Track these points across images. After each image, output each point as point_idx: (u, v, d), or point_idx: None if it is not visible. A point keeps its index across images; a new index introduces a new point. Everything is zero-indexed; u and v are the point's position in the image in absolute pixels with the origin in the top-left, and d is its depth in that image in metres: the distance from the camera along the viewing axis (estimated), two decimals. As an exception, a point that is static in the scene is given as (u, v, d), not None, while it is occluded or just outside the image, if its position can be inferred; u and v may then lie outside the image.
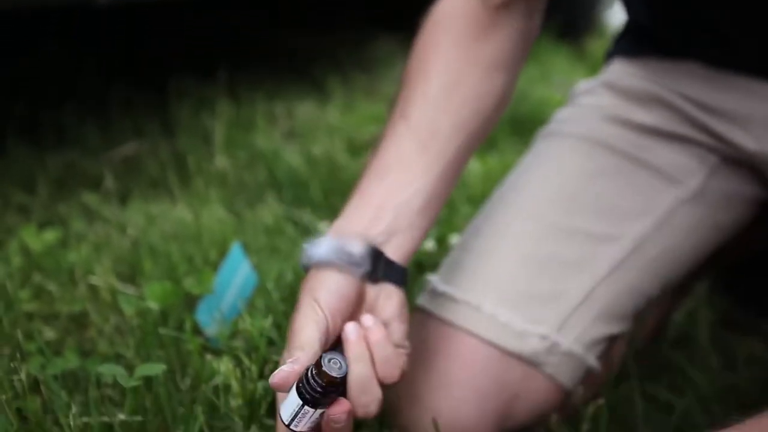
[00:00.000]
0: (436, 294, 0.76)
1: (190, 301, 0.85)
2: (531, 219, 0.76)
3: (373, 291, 0.62)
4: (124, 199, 1.18)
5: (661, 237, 0.76)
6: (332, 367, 0.52)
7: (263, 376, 0.72)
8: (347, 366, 0.52)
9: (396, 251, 0.63)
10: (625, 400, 0.75)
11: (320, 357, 0.52)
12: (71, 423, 0.64)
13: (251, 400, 0.68)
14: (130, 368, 0.69)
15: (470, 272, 0.75)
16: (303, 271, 0.62)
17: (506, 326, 0.72)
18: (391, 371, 0.58)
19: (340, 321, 0.59)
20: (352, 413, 0.55)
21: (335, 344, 0.58)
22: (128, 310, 0.83)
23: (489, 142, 1.43)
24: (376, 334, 0.58)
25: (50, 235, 0.98)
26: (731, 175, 0.78)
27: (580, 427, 0.71)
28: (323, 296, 0.59)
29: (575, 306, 0.73)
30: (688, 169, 0.77)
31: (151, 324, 0.78)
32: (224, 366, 0.71)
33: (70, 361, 0.74)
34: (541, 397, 0.73)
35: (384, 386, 0.58)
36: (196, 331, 0.80)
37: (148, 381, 0.70)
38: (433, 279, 0.77)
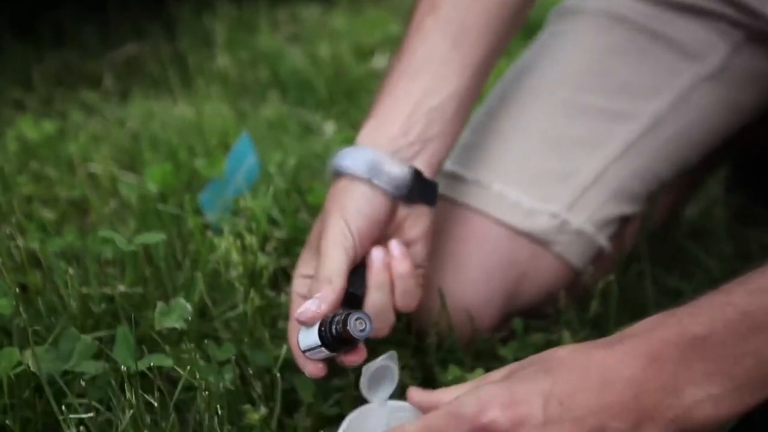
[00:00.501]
0: (444, 175, 0.73)
1: (192, 187, 0.83)
2: (544, 97, 0.73)
3: (403, 211, 0.60)
4: (124, 97, 1.15)
5: (678, 116, 0.73)
6: (356, 326, 0.51)
7: (264, 250, 0.71)
8: (371, 327, 0.52)
9: (428, 161, 0.61)
10: (635, 281, 0.74)
11: (348, 314, 0.51)
12: (71, 293, 0.63)
13: (252, 271, 0.67)
14: (130, 245, 0.68)
15: (480, 152, 0.73)
16: (332, 176, 0.59)
17: (516, 205, 0.70)
18: (409, 302, 0.58)
19: (368, 244, 0.57)
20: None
21: (359, 264, 0.57)
22: (128, 194, 0.81)
23: (500, 46, 1.38)
24: (402, 266, 0.57)
25: (48, 126, 0.96)
26: (755, 53, 0.74)
27: (589, 306, 0.69)
28: (354, 218, 0.56)
29: (587, 185, 0.71)
30: (710, 45, 0.73)
31: (151, 203, 0.76)
32: (225, 241, 0.69)
33: (70, 239, 0.73)
34: (549, 277, 0.71)
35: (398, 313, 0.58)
36: (197, 211, 0.78)
37: (149, 255, 0.69)
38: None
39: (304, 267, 0.60)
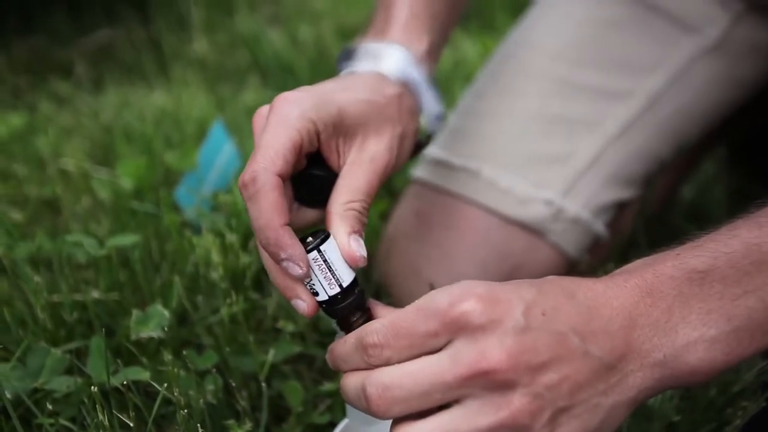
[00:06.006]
0: (432, 162, 0.70)
1: (169, 181, 0.79)
2: (536, 76, 0.70)
3: None
4: (96, 86, 1.10)
5: (677, 92, 0.70)
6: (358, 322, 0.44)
7: (246, 248, 0.67)
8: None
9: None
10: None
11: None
12: (40, 302, 0.59)
13: (234, 271, 0.63)
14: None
15: (469, 136, 0.69)
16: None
17: (508, 192, 0.66)
18: None
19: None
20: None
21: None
22: (102, 191, 0.77)
23: (488, 23, 1.35)
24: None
25: (16, 119, 0.91)
26: (756, 23, 0.71)
27: (588, 296, 0.66)
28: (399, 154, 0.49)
29: (583, 169, 0.68)
30: (709, 16, 0.70)
31: (126, 201, 0.72)
32: (204, 240, 0.65)
33: (39, 243, 0.69)
34: (545, 268, 0.68)
35: None
36: (174, 208, 0.74)
37: (124, 258, 0.65)
38: (430, 147, 0.71)
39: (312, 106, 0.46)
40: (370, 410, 0.39)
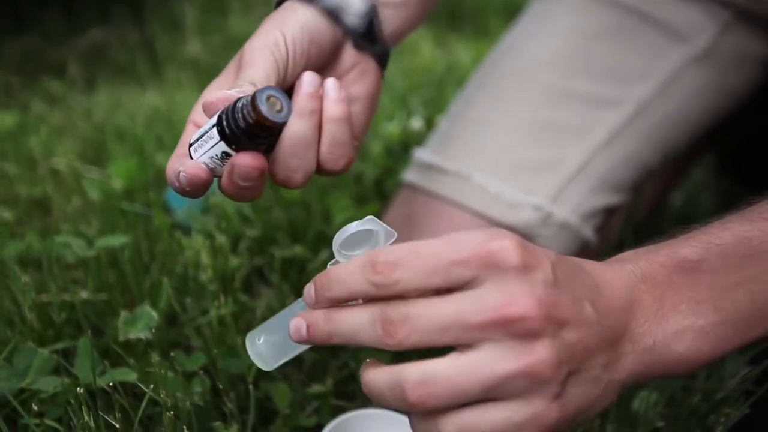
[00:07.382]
0: (422, 166, 0.70)
1: (160, 182, 0.79)
2: (526, 83, 0.70)
3: (350, 56, 0.51)
4: (89, 86, 1.10)
5: (665, 100, 0.70)
6: (271, 105, 0.40)
7: (236, 250, 0.67)
8: (289, 108, 0.41)
9: (384, 24, 0.53)
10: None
11: (258, 90, 0.41)
12: (28, 301, 0.59)
13: (223, 273, 0.64)
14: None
15: (460, 141, 0.70)
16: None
17: (497, 197, 0.67)
18: (337, 157, 0.46)
19: (301, 67, 0.47)
20: (265, 174, 0.43)
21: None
22: (92, 191, 0.77)
23: (482, 28, 1.35)
24: (337, 108, 0.45)
25: (8, 118, 0.91)
26: (744, 33, 0.72)
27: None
28: (293, 31, 0.47)
29: (572, 175, 0.68)
30: (698, 25, 0.71)
31: (116, 201, 0.72)
32: (194, 241, 0.65)
33: (30, 242, 0.69)
34: (533, 273, 0.68)
35: (320, 169, 0.46)
36: (165, 210, 0.74)
37: (114, 258, 0.65)
38: (420, 151, 0.72)
39: (210, 93, 0.47)
40: (384, 335, 0.36)
